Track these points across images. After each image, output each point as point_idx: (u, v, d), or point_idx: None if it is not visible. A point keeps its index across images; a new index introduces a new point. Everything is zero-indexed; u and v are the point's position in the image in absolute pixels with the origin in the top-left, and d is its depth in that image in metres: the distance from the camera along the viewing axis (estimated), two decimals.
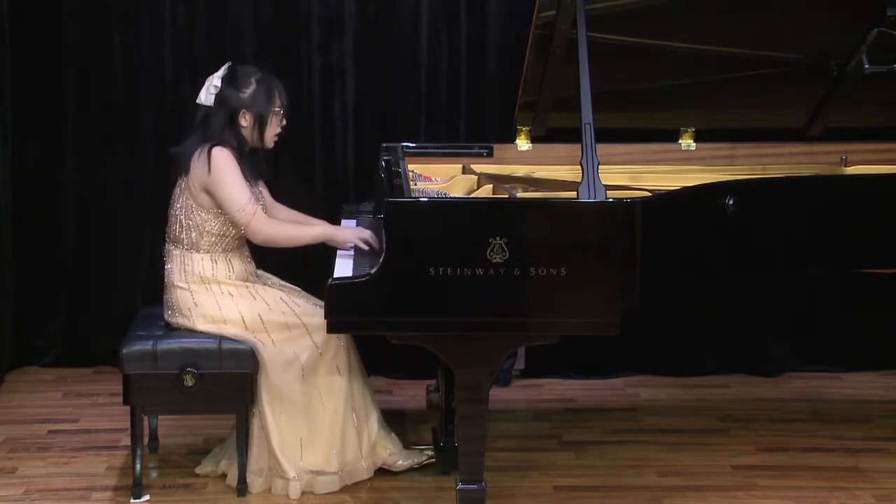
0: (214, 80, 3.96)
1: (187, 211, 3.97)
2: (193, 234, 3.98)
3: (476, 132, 5.05)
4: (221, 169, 3.88)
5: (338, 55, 5.09)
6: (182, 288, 3.98)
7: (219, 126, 3.93)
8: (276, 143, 4.06)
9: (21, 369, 5.23)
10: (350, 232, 4.00)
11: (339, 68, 5.09)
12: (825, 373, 5.33)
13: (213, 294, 3.97)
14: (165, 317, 4.05)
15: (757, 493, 4.06)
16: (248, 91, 3.96)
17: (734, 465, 4.29)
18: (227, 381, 3.90)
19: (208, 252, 3.99)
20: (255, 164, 4.03)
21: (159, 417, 4.33)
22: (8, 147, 5.02)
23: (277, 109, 4.00)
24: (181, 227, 3.99)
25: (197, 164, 3.91)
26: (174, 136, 5.05)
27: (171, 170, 5.02)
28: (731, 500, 4.01)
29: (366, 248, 3.90)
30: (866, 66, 4.24)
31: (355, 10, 5.06)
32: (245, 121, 3.96)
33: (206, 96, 3.95)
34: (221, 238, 3.99)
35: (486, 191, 4.12)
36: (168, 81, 5.10)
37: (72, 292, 5.24)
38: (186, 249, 3.99)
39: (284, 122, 4.05)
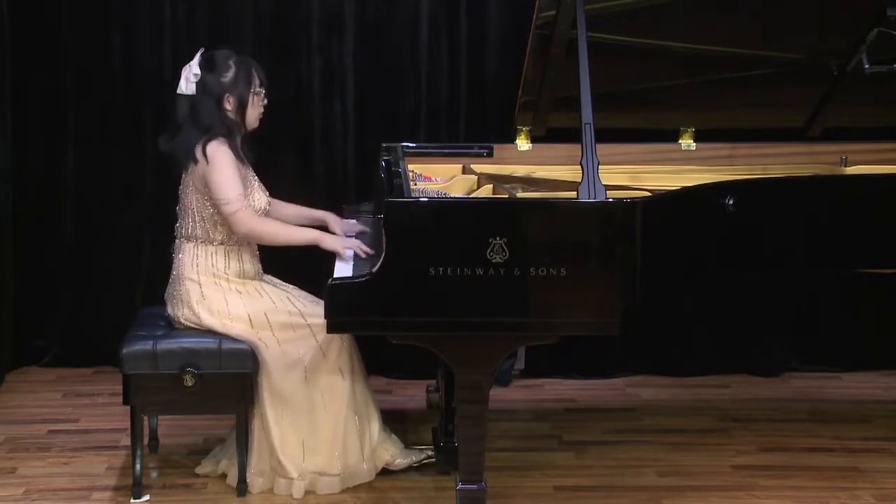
0: (193, 69, 3.93)
1: (197, 204, 3.96)
2: (208, 227, 3.97)
3: (476, 132, 5.05)
4: (217, 161, 3.87)
5: (338, 55, 5.08)
6: (192, 279, 3.97)
7: (208, 114, 3.91)
8: (260, 124, 4.04)
9: (21, 369, 5.22)
10: (337, 241, 3.97)
11: (339, 68, 5.08)
12: (825, 373, 5.32)
13: (221, 289, 3.97)
14: (168, 310, 4.05)
15: (757, 493, 4.06)
16: (229, 75, 3.94)
17: (734, 465, 4.29)
18: (227, 381, 3.90)
19: (222, 245, 3.99)
20: (245, 149, 4.02)
21: (159, 417, 4.32)
22: (8, 147, 5.01)
23: (259, 90, 3.99)
24: (193, 221, 3.98)
25: (197, 157, 3.91)
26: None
27: (171, 169, 5.06)
28: (731, 500, 4.01)
29: (349, 257, 3.86)
30: (866, 66, 4.24)
31: (355, 10, 5.06)
32: (230, 104, 3.95)
33: (187, 86, 3.93)
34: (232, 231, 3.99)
35: (486, 191, 4.12)
36: (168, 81, 5.07)
37: (72, 292, 5.23)
38: (201, 242, 3.98)
39: (266, 101, 4.03)
